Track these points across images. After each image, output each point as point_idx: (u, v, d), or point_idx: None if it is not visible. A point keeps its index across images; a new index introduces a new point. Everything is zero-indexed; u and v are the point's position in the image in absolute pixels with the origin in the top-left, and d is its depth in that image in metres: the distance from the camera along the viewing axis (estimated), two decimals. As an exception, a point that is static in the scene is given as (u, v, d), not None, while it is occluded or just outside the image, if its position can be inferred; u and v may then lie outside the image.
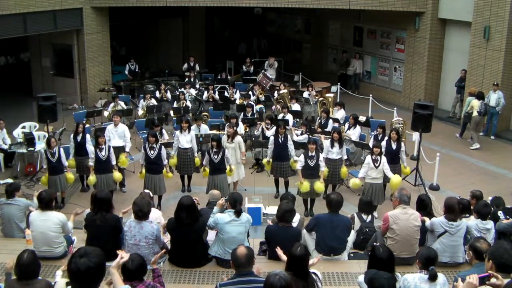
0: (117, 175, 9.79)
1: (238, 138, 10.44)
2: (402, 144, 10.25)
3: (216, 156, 9.51)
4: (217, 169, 9.56)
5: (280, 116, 12.75)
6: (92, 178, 9.59)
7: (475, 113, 13.14)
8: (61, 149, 9.77)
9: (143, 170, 9.74)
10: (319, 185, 9.47)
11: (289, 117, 12.56)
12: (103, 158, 9.62)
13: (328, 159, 10.06)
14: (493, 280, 4.00)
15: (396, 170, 9.94)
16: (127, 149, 10.69)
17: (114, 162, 9.85)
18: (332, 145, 10.11)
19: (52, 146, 9.53)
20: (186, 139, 10.52)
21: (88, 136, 10.42)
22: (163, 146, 9.87)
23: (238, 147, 10.30)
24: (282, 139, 10.17)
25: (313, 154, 9.45)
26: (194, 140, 10.65)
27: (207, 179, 9.73)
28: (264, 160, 10.66)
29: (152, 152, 9.59)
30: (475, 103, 13.20)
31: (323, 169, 9.54)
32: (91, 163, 9.67)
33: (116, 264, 4.26)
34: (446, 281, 4.78)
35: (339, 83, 17.00)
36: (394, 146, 10.04)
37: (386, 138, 10.39)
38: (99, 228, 6.17)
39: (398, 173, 9.95)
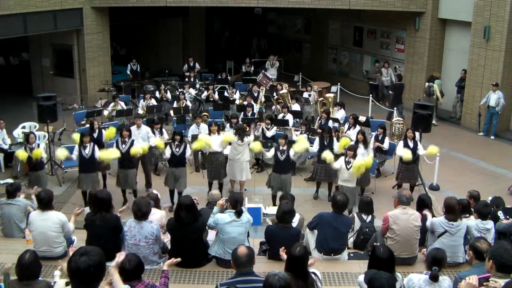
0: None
1: (250, 138, 10.33)
2: (419, 144, 10.25)
3: (177, 149, 9.65)
4: (177, 163, 9.69)
5: (280, 116, 12.76)
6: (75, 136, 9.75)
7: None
8: (41, 145, 9.87)
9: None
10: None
11: (289, 117, 12.56)
12: (87, 156, 9.58)
13: None
14: (491, 283, 4.02)
15: (413, 170, 10.08)
16: (151, 143, 10.64)
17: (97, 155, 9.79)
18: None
19: (31, 142, 9.70)
20: (216, 143, 10.19)
21: (103, 131, 10.62)
22: (135, 141, 9.97)
23: (247, 147, 10.27)
24: (328, 141, 10.07)
25: (284, 148, 9.50)
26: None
27: (166, 171, 9.93)
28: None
29: (123, 146, 9.68)
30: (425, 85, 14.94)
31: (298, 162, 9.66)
32: (74, 157, 9.71)
33: (115, 264, 4.28)
34: (451, 286, 4.76)
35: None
36: (411, 145, 10.05)
37: (387, 139, 10.42)
38: (99, 228, 6.17)
39: (414, 176, 10.16)
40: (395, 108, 14.60)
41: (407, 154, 9.70)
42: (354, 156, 9.38)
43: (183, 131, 12.32)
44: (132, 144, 9.80)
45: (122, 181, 9.87)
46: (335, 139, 10.28)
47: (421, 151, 10.17)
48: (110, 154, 9.64)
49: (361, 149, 10.03)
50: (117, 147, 9.71)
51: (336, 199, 6.63)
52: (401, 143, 10.28)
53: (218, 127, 10.46)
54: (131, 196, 10.05)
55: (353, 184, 9.53)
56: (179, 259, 5.51)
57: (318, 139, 10.24)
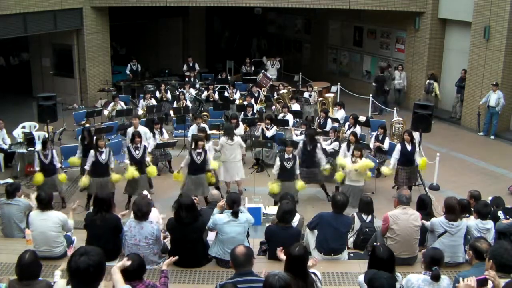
0: (115, 176, 9.53)
1: (238, 138, 10.42)
2: (417, 145, 10.24)
3: (199, 157, 9.42)
4: (197, 170, 9.47)
5: (280, 116, 12.77)
6: (85, 179, 9.40)
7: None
8: (54, 151, 9.74)
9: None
10: (301, 184, 9.46)
11: (289, 117, 12.56)
12: (103, 161, 9.44)
13: None
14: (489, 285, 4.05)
15: (412, 171, 10.06)
16: (149, 149, 10.57)
17: (112, 165, 9.67)
18: (348, 148, 10.03)
19: (46, 148, 9.56)
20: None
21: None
22: (146, 146, 9.89)
23: (238, 146, 10.30)
24: (311, 147, 9.96)
25: (290, 156, 9.43)
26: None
27: (185, 179, 9.58)
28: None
29: (137, 152, 9.57)
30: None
31: (298, 171, 9.54)
32: (87, 166, 9.51)
33: (120, 265, 4.28)
34: (450, 285, 4.76)
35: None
36: (409, 147, 9.99)
37: (387, 139, 10.38)
38: (99, 228, 6.18)
39: (414, 176, 10.12)
40: (395, 108, 14.61)
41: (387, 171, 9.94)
42: (361, 157, 9.45)
43: (183, 131, 12.37)
44: (145, 150, 9.72)
45: (133, 187, 9.57)
46: (319, 144, 10.22)
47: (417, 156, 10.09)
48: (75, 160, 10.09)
49: None
50: (130, 153, 9.57)
51: (336, 199, 6.63)
52: (398, 147, 10.14)
53: (207, 135, 10.33)
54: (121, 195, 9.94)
55: (361, 184, 9.59)
56: (177, 257, 5.54)
57: (302, 144, 10.16)
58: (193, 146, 9.56)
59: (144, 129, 10.94)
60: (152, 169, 9.79)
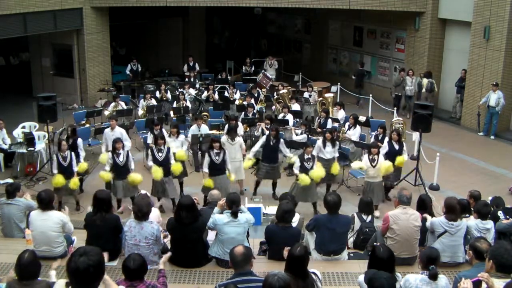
0: (134, 178, 9.31)
1: (239, 139, 10.44)
2: (404, 144, 10.29)
3: (217, 157, 9.43)
4: (218, 170, 9.50)
5: (280, 116, 12.76)
6: (106, 175, 9.32)
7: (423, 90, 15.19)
8: (73, 154, 9.65)
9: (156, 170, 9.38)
10: (318, 173, 9.42)
11: (290, 117, 12.56)
12: (121, 163, 9.38)
13: (321, 159, 10.06)
14: (484, 286, 4.06)
15: (397, 170, 10.02)
16: (126, 149, 10.61)
17: (133, 167, 9.59)
18: (324, 145, 10.12)
19: (63, 150, 9.45)
20: (176, 145, 10.33)
21: (80, 140, 10.36)
22: (170, 148, 9.85)
23: (239, 146, 10.32)
24: (274, 141, 10.05)
25: (309, 156, 9.47)
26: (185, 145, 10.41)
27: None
28: (248, 157, 10.14)
29: (160, 154, 9.53)
30: (424, 81, 15.11)
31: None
32: (107, 167, 9.40)
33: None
34: (448, 284, 4.77)
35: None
36: (396, 146, 10.07)
37: (387, 139, 10.39)
38: (99, 228, 6.17)
39: (399, 173, 10.04)
40: (395, 108, 14.62)
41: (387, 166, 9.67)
42: (378, 153, 9.48)
43: (183, 131, 12.35)
44: (168, 152, 9.62)
45: (159, 190, 9.52)
46: (282, 140, 10.24)
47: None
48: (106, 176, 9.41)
49: (329, 147, 10.10)
50: (153, 155, 9.50)
51: (327, 200, 6.52)
52: (385, 146, 10.13)
53: (178, 130, 10.43)
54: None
55: (380, 179, 9.62)
56: (169, 253, 5.54)
57: (265, 138, 10.19)
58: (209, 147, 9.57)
59: (121, 130, 10.91)
60: (176, 166, 9.61)
